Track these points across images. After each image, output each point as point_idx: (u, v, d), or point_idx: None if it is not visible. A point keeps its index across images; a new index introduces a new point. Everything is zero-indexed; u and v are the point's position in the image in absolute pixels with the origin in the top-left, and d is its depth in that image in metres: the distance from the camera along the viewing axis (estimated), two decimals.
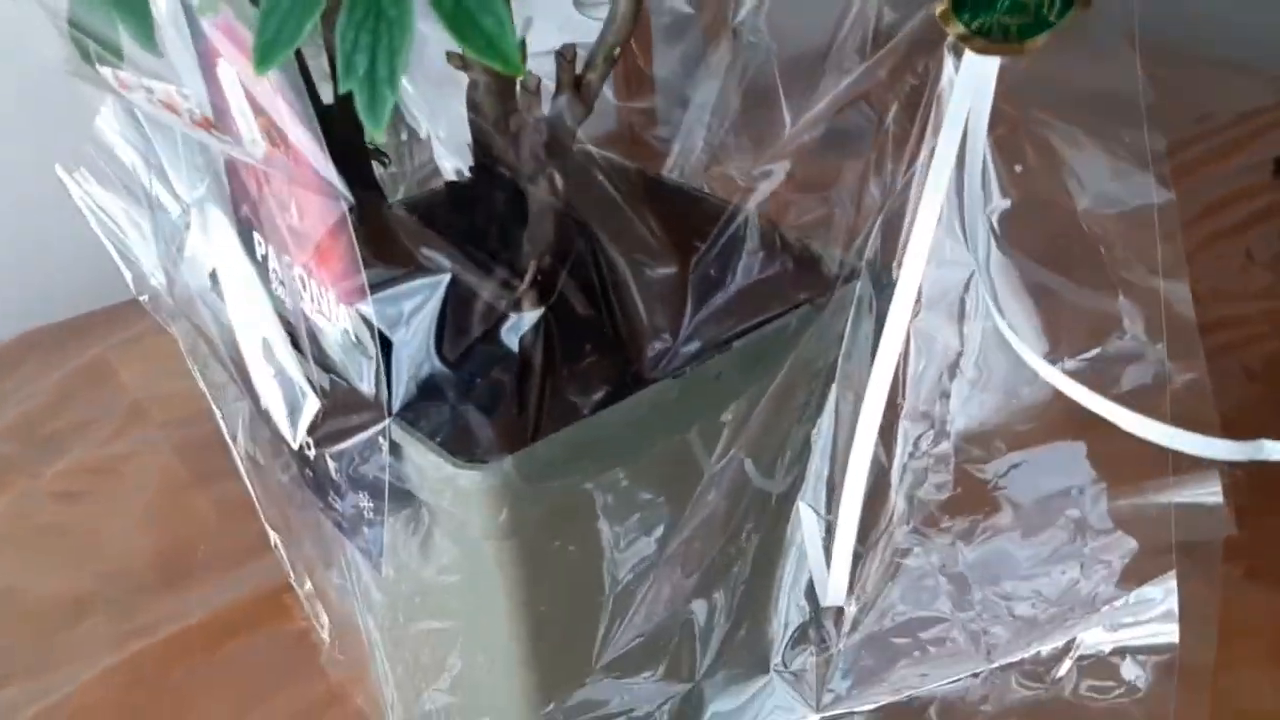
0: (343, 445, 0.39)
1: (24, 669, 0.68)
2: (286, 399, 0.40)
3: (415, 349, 0.36)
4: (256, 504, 0.64)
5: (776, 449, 0.43)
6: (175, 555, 0.76)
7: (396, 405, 0.36)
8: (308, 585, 0.64)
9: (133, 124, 0.49)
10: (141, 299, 0.64)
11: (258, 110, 0.35)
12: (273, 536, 0.64)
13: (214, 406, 0.64)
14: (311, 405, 0.38)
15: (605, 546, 0.43)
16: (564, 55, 0.44)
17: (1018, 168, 0.36)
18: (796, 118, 0.52)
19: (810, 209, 0.56)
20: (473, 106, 0.45)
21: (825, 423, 0.42)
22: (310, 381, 0.38)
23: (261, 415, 0.43)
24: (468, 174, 0.50)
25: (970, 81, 0.34)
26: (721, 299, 0.41)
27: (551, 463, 0.40)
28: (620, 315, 0.42)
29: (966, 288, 0.38)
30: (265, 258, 0.44)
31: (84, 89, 0.54)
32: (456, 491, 0.40)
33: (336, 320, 0.40)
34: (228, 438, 0.64)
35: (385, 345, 0.39)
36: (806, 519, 0.42)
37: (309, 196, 0.37)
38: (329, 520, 0.46)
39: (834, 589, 0.41)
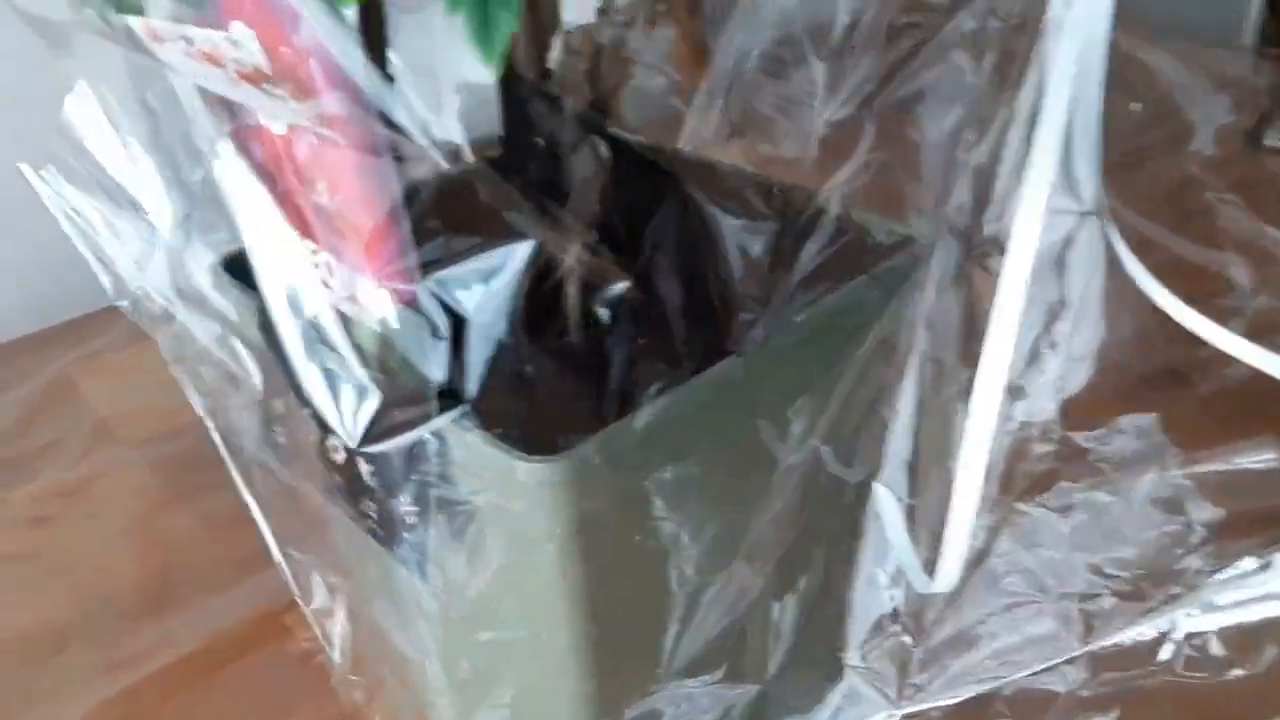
0: (391, 443, 0.35)
1: (1, 709, 0.63)
2: (338, 394, 0.36)
3: (492, 328, 0.32)
4: (259, 518, 0.60)
5: (852, 432, 0.40)
6: (159, 578, 0.71)
7: (473, 391, 0.33)
8: (317, 602, 0.60)
9: (132, 99, 0.45)
10: (121, 305, 0.60)
11: (285, 74, 0.31)
12: (276, 552, 0.60)
13: (204, 416, 0.60)
14: (373, 400, 0.35)
15: (674, 542, 0.39)
16: (605, 11, 0.41)
17: (1134, 106, 0.33)
18: (833, 83, 0.49)
19: (851, 177, 0.54)
20: (508, 69, 0.41)
21: (905, 400, 0.39)
22: (376, 375, 0.34)
23: (306, 415, 0.39)
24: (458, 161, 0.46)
25: (1084, 13, 0.31)
26: (798, 275, 0.38)
27: (618, 454, 0.37)
28: (701, 290, 0.38)
29: (1069, 242, 0.35)
30: None
31: (56, 71, 0.50)
32: (516, 487, 0.37)
33: (373, 307, 0.37)
34: (222, 448, 0.59)
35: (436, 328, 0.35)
36: (886, 504, 0.39)
37: (350, 166, 0.33)
38: (363, 529, 0.43)
39: (944, 574, 0.38)
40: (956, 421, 0.40)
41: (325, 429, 0.42)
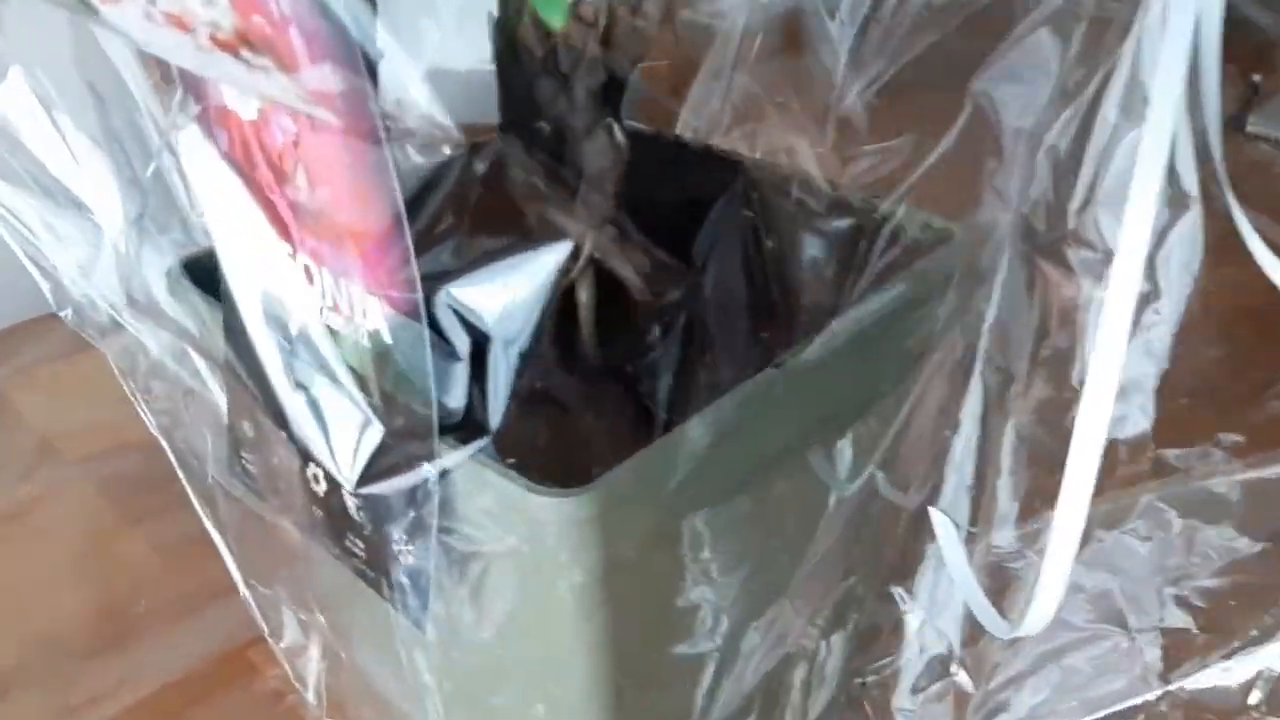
0: (395, 483, 0.30)
1: None
2: (328, 425, 0.31)
3: (517, 346, 0.27)
4: (222, 547, 0.54)
5: (909, 453, 0.36)
6: (112, 612, 0.65)
7: (496, 420, 0.28)
8: (288, 639, 0.55)
9: (74, 85, 0.39)
10: (63, 314, 0.54)
11: (264, 45, 0.26)
12: (241, 585, 0.55)
13: (159, 435, 0.55)
14: (374, 433, 0.29)
15: (712, 584, 0.34)
16: None
17: (1256, 77, 0.29)
18: (857, 62, 0.45)
19: (871, 167, 0.49)
20: (509, 45, 0.36)
21: (968, 416, 0.35)
22: (372, 401, 0.29)
23: (282, 440, 0.34)
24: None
25: None
26: (851, 279, 0.33)
27: (651, 485, 0.32)
28: (760, 298, 0.33)
29: (1166, 232, 0.30)
30: None
31: None
32: (534, 525, 0.32)
33: (362, 319, 0.32)
34: (180, 472, 0.54)
35: (441, 344, 0.30)
36: (945, 533, 0.35)
37: (338, 153, 0.28)
38: (349, 569, 0.37)
39: (1034, 618, 0.33)
40: (1029, 438, 0.35)
41: (305, 457, 0.36)
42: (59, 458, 0.78)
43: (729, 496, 0.34)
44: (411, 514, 0.34)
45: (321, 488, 0.38)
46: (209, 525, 0.54)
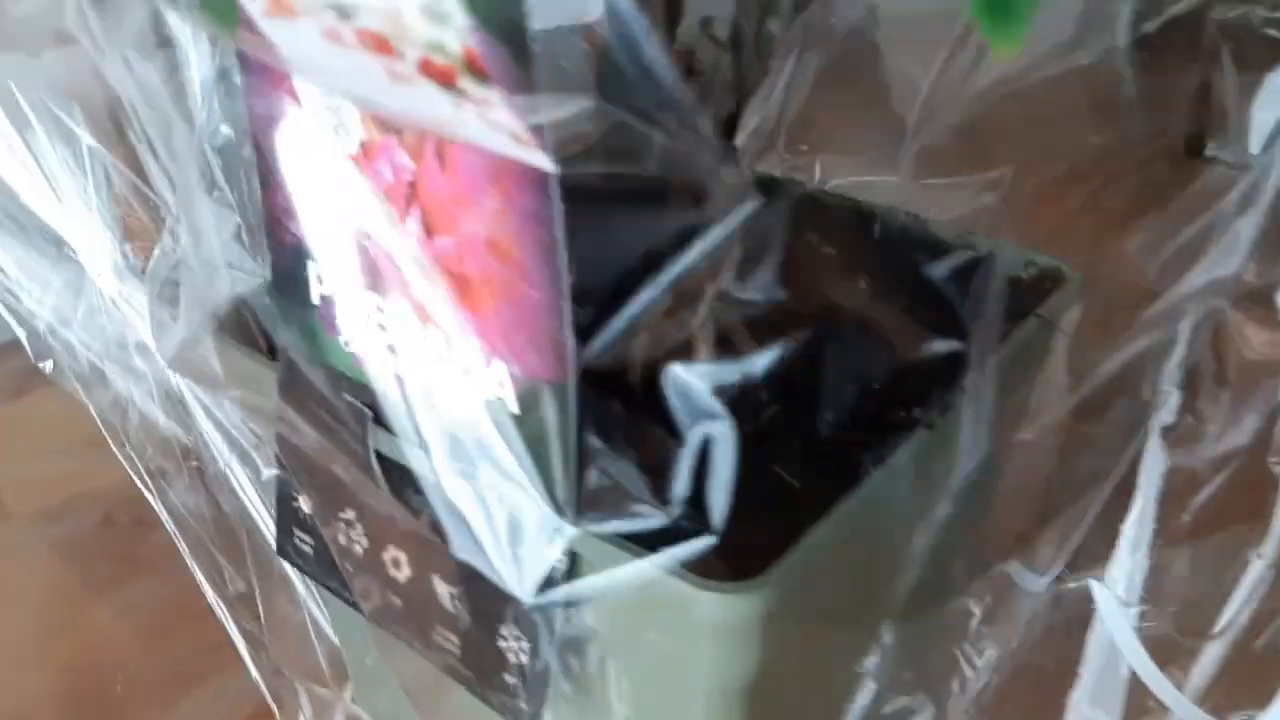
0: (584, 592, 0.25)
1: None
2: (476, 522, 0.25)
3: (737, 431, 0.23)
4: (229, 621, 0.48)
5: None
6: (85, 692, 0.58)
7: (722, 518, 0.23)
8: None
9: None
10: (43, 367, 0.49)
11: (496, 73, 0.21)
12: (253, 669, 0.49)
13: (151, 495, 0.49)
14: (561, 539, 0.24)
15: (869, 695, 0.30)
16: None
17: None
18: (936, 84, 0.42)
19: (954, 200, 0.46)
20: (615, 70, 0.32)
21: (1144, 483, 0.31)
22: (554, 492, 0.24)
23: (350, 519, 0.29)
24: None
25: None
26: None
27: (814, 577, 0.28)
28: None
29: None
30: (327, 299, 0.31)
31: None
32: (686, 624, 0.27)
33: (479, 382, 0.27)
34: (175, 533, 0.49)
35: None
36: (1110, 610, 0.31)
37: (484, 199, 0.24)
38: (437, 666, 0.33)
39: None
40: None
41: (381, 537, 0.32)
42: (10, 514, 0.71)
43: (916, 604, 0.29)
44: (527, 606, 0.29)
45: (403, 573, 0.33)
46: (211, 595, 0.49)
